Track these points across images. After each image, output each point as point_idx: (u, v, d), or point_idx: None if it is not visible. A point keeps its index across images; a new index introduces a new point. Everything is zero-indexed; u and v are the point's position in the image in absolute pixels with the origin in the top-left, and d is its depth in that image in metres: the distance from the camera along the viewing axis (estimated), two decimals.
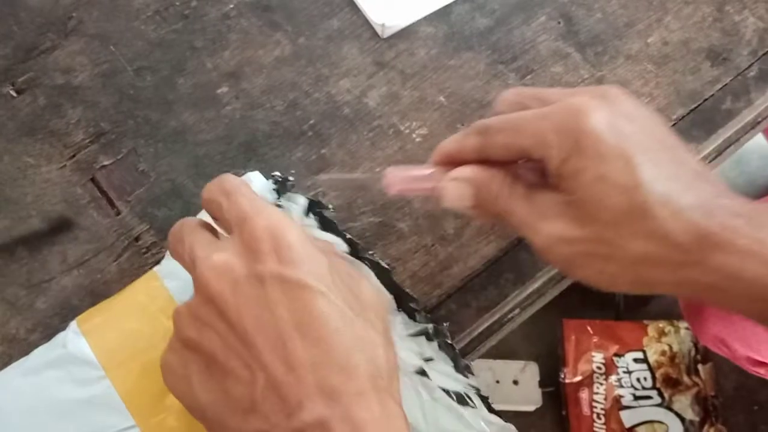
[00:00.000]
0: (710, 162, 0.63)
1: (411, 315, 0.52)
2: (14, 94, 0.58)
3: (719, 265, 0.41)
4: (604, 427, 1.33)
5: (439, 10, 0.64)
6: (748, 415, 1.40)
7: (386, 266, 0.53)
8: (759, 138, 1.49)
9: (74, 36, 0.61)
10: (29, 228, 0.54)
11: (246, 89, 0.60)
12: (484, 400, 0.51)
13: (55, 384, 0.48)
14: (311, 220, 0.52)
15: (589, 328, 1.39)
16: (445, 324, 0.52)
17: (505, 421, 0.51)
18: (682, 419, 1.34)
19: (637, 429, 1.33)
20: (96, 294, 0.53)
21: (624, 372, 1.37)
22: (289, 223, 0.41)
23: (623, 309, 1.43)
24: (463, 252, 0.56)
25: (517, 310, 0.58)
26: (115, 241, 0.55)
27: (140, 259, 0.54)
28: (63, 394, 0.48)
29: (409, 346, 0.51)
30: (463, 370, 0.51)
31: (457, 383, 0.51)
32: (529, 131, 0.44)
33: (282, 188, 0.52)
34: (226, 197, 0.43)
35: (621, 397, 1.35)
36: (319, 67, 0.61)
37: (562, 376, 1.38)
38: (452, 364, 0.51)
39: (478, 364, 1.32)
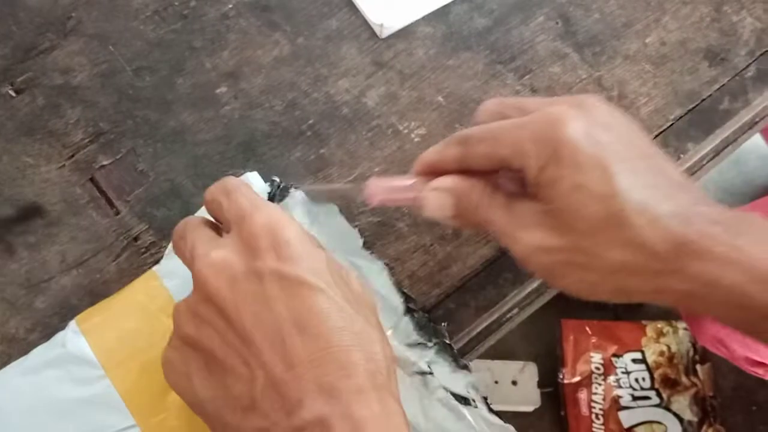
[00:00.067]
0: (708, 162, 0.63)
1: (417, 321, 0.52)
2: (13, 94, 0.58)
3: (697, 273, 0.41)
4: (602, 427, 1.33)
5: (438, 10, 0.64)
6: (746, 416, 1.40)
7: (385, 264, 0.53)
8: (757, 138, 1.49)
9: (73, 36, 0.61)
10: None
11: (245, 89, 0.60)
12: (484, 400, 0.51)
13: (55, 383, 0.48)
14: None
15: (587, 329, 1.39)
16: (443, 324, 0.52)
17: (504, 422, 0.51)
18: (681, 419, 1.34)
19: (636, 429, 1.33)
20: (95, 294, 0.53)
21: (622, 372, 1.37)
22: (288, 220, 0.42)
23: (622, 309, 1.43)
24: (462, 252, 0.56)
25: (515, 310, 0.58)
26: (114, 240, 0.55)
27: (139, 258, 0.54)
28: (63, 393, 0.48)
29: (411, 348, 0.51)
30: (463, 369, 0.51)
31: (458, 382, 0.51)
32: (507, 141, 0.44)
33: (279, 194, 0.53)
34: (227, 196, 0.44)
35: (619, 397, 1.35)
36: (317, 67, 0.61)
37: (561, 376, 1.38)
38: (453, 364, 0.51)
39: (476, 365, 1.32)
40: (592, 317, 1.41)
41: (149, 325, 0.50)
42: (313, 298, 0.39)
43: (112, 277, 0.54)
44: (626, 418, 1.33)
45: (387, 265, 0.53)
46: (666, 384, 1.36)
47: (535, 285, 0.57)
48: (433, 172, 0.47)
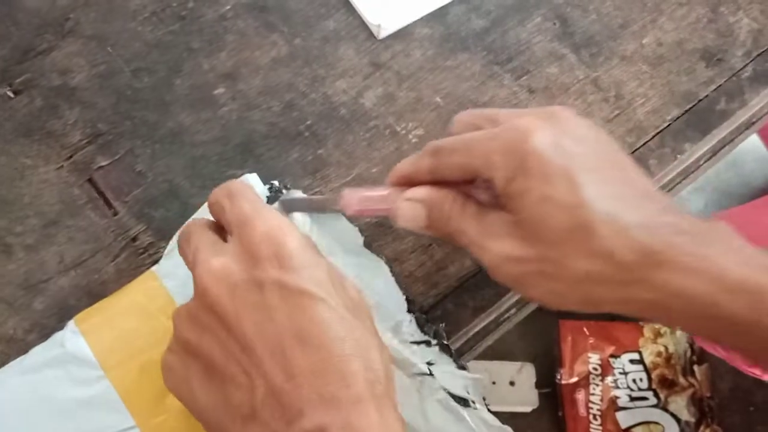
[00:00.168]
0: (705, 163, 0.64)
1: (417, 320, 0.52)
2: (11, 95, 0.59)
3: (663, 283, 0.41)
4: (600, 428, 1.33)
5: (435, 11, 0.64)
6: (743, 416, 1.40)
7: (387, 262, 0.53)
8: (754, 140, 1.50)
9: (71, 37, 0.61)
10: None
11: (243, 90, 0.60)
12: (483, 401, 0.51)
13: (54, 383, 0.48)
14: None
15: (585, 329, 1.39)
16: (441, 325, 0.53)
17: (502, 422, 0.51)
18: (678, 420, 1.34)
19: (633, 430, 1.33)
20: (93, 294, 0.53)
21: (620, 373, 1.37)
22: (289, 227, 0.41)
23: None
24: (460, 252, 0.56)
25: (513, 310, 0.58)
26: (113, 241, 0.55)
27: (137, 259, 0.54)
28: (62, 393, 0.48)
29: (412, 349, 0.51)
30: (461, 370, 0.51)
31: (459, 382, 0.51)
32: (477, 152, 0.45)
33: (277, 198, 0.53)
34: (230, 200, 0.44)
35: (617, 398, 1.35)
36: (315, 68, 0.61)
37: (559, 377, 1.38)
38: (453, 364, 0.51)
39: (474, 365, 1.32)
40: (589, 318, 1.41)
41: (148, 326, 0.50)
42: (314, 308, 0.39)
43: (110, 278, 0.54)
44: (624, 419, 1.33)
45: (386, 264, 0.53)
46: (663, 384, 1.36)
47: None
48: (408, 182, 0.48)
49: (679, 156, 0.60)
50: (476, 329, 0.56)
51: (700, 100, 0.63)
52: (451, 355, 0.51)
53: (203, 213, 0.53)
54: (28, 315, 0.52)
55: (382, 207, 0.48)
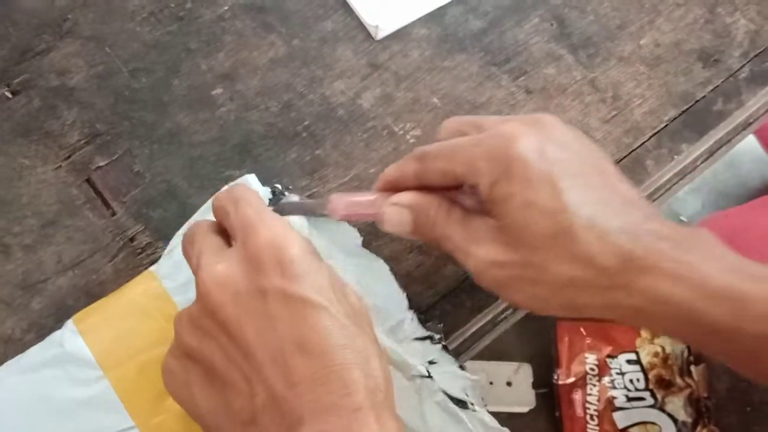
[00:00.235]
0: (702, 163, 0.64)
1: (419, 319, 0.52)
2: (9, 96, 0.59)
3: (645, 289, 0.42)
4: (597, 428, 1.34)
5: (433, 12, 0.64)
6: (740, 417, 1.40)
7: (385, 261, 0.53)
8: (751, 141, 1.50)
9: (69, 38, 0.61)
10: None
11: (240, 91, 0.60)
12: (481, 402, 0.51)
13: (53, 383, 0.48)
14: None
15: (582, 330, 1.39)
16: (440, 325, 0.53)
17: (499, 422, 0.51)
18: (675, 420, 1.34)
19: (630, 430, 1.33)
20: (91, 294, 0.53)
21: (617, 373, 1.37)
22: (293, 235, 0.42)
23: None
24: None
25: (510, 310, 0.58)
26: (111, 241, 0.55)
27: (135, 259, 0.54)
28: (61, 393, 0.48)
29: (413, 349, 0.52)
30: (461, 371, 0.52)
31: (458, 384, 0.51)
32: (462, 157, 0.45)
33: (279, 200, 0.53)
34: (234, 205, 0.44)
35: (614, 398, 1.35)
36: (313, 69, 0.61)
37: (556, 377, 1.38)
38: (456, 364, 0.52)
39: (471, 366, 1.32)
40: (586, 318, 1.41)
41: (147, 326, 0.50)
42: (316, 317, 0.39)
43: (108, 278, 0.54)
44: (621, 419, 1.33)
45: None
46: (660, 385, 1.36)
47: None
48: (394, 188, 0.48)
49: (676, 156, 0.61)
50: (473, 329, 0.56)
51: (698, 101, 0.63)
52: (451, 354, 0.52)
53: (203, 214, 0.53)
54: (26, 315, 0.52)
55: (369, 212, 0.49)
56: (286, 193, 0.54)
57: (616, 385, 1.36)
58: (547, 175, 0.43)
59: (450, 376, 0.51)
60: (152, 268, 0.52)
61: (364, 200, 0.49)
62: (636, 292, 0.42)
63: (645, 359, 1.38)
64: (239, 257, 0.41)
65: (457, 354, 0.55)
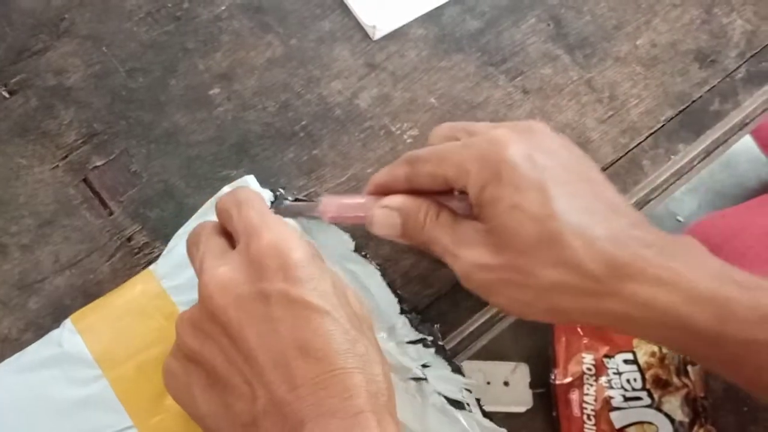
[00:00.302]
0: (699, 163, 0.64)
1: (411, 321, 0.52)
2: (6, 95, 0.59)
3: (631, 294, 0.42)
4: (594, 428, 1.34)
5: (430, 12, 0.64)
6: (737, 416, 1.40)
7: (377, 266, 0.53)
8: (747, 141, 1.50)
9: (66, 37, 0.61)
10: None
11: (238, 90, 0.60)
12: (478, 403, 0.51)
13: (51, 383, 0.48)
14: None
15: (579, 330, 1.39)
16: (436, 326, 0.53)
17: (496, 422, 0.51)
18: (672, 420, 1.34)
19: (627, 430, 1.33)
20: (88, 294, 0.53)
21: (614, 373, 1.37)
22: (296, 239, 0.42)
23: None
24: None
25: None
26: (108, 241, 0.55)
27: (132, 259, 0.54)
28: (60, 393, 0.48)
29: (407, 352, 0.52)
30: (456, 373, 0.52)
31: (454, 386, 0.51)
32: (452, 161, 0.46)
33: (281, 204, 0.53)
34: (237, 208, 0.44)
35: (611, 398, 1.35)
36: (310, 69, 0.61)
37: (553, 377, 1.38)
38: (448, 367, 0.52)
39: (468, 366, 1.32)
40: None
41: (145, 325, 0.50)
42: (319, 321, 0.39)
43: (105, 278, 0.54)
44: (618, 419, 1.33)
45: (380, 265, 0.53)
46: (657, 385, 1.36)
47: None
48: (384, 191, 0.49)
49: (672, 157, 0.61)
50: (471, 329, 0.56)
51: (694, 101, 0.63)
52: (445, 357, 0.52)
53: (201, 216, 0.53)
54: (23, 315, 0.52)
55: (358, 214, 0.49)
56: (289, 198, 0.54)
57: (613, 385, 1.36)
58: (536, 181, 0.43)
59: (445, 378, 0.51)
60: (151, 267, 0.52)
61: (354, 203, 0.50)
62: (621, 297, 0.42)
63: (642, 359, 1.38)
64: (242, 260, 0.41)
65: (455, 354, 0.55)
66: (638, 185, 0.60)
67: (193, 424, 0.42)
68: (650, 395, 1.36)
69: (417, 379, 0.51)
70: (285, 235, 0.42)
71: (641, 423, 1.34)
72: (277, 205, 0.53)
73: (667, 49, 0.64)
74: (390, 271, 0.55)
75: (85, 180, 0.56)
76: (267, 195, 0.53)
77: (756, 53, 0.65)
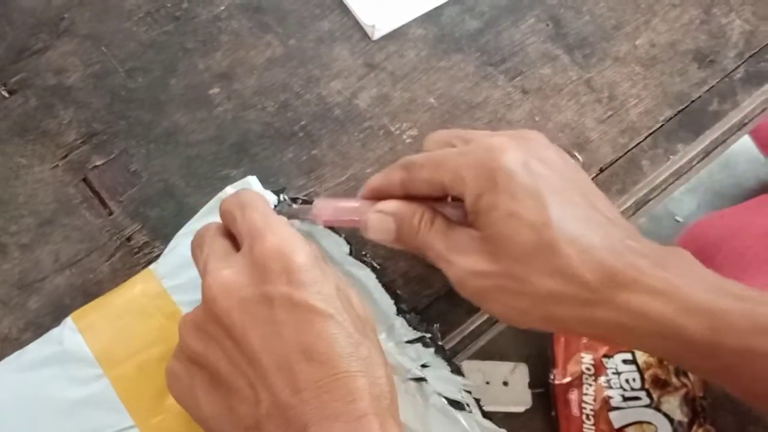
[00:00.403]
0: (698, 163, 0.64)
1: (409, 320, 0.52)
2: (6, 95, 0.59)
3: (625, 304, 0.42)
4: (593, 428, 1.34)
5: (429, 12, 0.64)
6: (736, 416, 1.40)
7: (376, 266, 0.53)
8: (746, 141, 1.50)
9: (66, 37, 0.61)
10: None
11: (237, 90, 0.60)
12: (477, 403, 0.51)
13: (52, 382, 0.48)
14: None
15: None
16: (435, 325, 0.53)
17: (495, 422, 0.51)
18: (671, 420, 1.34)
19: (626, 430, 1.34)
20: (88, 293, 0.53)
21: (613, 373, 1.37)
22: (299, 242, 0.42)
23: None
24: None
25: None
26: (108, 240, 0.55)
27: (132, 258, 0.54)
28: (60, 392, 0.48)
29: (406, 352, 0.52)
30: (456, 372, 0.52)
31: (454, 386, 0.51)
32: (448, 167, 0.46)
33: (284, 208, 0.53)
34: (241, 210, 0.44)
35: (610, 398, 1.35)
36: (310, 69, 0.61)
37: (552, 377, 1.38)
38: (448, 368, 0.52)
39: (467, 366, 1.32)
40: None
41: (146, 325, 0.50)
42: (322, 324, 0.39)
43: (105, 277, 0.54)
44: (617, 419, 1.34)
45: (379, 266, 0.53)
46: (656, 385, 1.36)
47: None
48: (379, 196, 0.49)
49: (671, 157, 0.61)
50: (470, 329, 0.56)
51: (693, 101, 0.63)
52: (445, 358, 0.52)
53: (202, 216, 0.53)
54: (23, 314, 0.52)
55: (353, 218, 0.49)
56: (295, 203, 0.54)
57: (612, 385, 1.36)
58: (532, 189, 0.43)
59: (444, 379, 0.51)
60: (151, 266, 0.52)
61: (348, 207, 0.50)
62: (616, 306, 0.42)
63: (641, 359, 1.38)
64: (246, 263, 0.41)
65: (454, 353, 0.55)
66: (637, 185, 0.60)
67: (195, 425, 0.42)
68: (649, 395, 1.36)
69: (417, 380, 0.51)
70: (288, 238, 0.42)
71: (640, 423, 1.34)
72: (284, 206, 0.53)
73: (666, 49, 0.64)
74: (389, 272, 0.55)
75: (84, 179, 0.56)
76: (270, 197, 0.53)
77: (755, 53, 0.65)
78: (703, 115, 0.62)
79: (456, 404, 0.51)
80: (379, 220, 0.48)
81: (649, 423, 1.34)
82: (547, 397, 1.39)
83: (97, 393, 0.48)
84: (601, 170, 0.60)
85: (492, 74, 0.63)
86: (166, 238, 0.54)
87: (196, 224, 0.52)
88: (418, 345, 0.52)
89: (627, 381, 1.36)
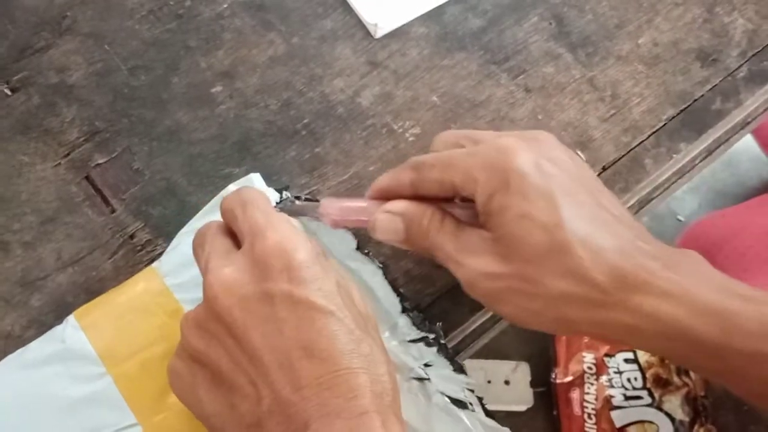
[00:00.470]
0: (700, 162, 0.64)
1: (413, 320, 0.52)
2: (8, 93, 0.59)
3: (637, 306, 0.42)
4: (595, 427, 1.34)
5: (432, 10, 0.64)
6: (737, 415, 1.40)
7: (379, 265, 0.53)
8: (749, 140, 1.50)
9: (68, 35, 0.61)
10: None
11: (240, 88, 0.60)
12: (480, 402, 0.51)
13: (55, 379, 0.48)
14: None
15: None
16: (438, 324, 0.53)
17: (497, 421, 0.51)
18: (672, 419, 1.34)
19: (628, 429, 1.33)
20: (91, 291, 0.53)
21: (615, 372, 1.37)
22: (300, 239, 0.42)
23: None
24: None
25: None
26: (110, 238, 0.55)
27: (135, 256, 0.54)
28: (63, 390, 0.48)
29: (409, 351, 0.52)
30: (459, 371, 0.52)
31: (456, 385, 0.51)
32: (459, 168, 0.45)
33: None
34: (242, 208, 0.44)
35: (612, 397, 1.35)
36: (312, 67, 0.61)
37: (554, 376, 1.38)
38: (450, 367, 0.52)
39: (469, 364, 1.32)
40: None
41: (148, 322, 0.50)
42: (323, 321, 0.39)
43: (107, 275, 0.54)
44: (618, 418, 1.34)
45: (383, 263, 0.53)
46: (658, 384, 1.36)
47: None
48: (388, 196, 0.48)
49: (674, 155, 0.61)
50: (472, 327, 0.56)
51: (696, 100, 0.63)
52: (447, 357, 0.52)
53: (204, 215, 0.53)
54: (26, 312, 0.52)
55: (360, 218, 0.49)
56: (296, 201, 0.54)
57: (614, 384, 1.36)
58: (544, 190, 0.43)
59: (447, 378, 0.51)
60: (154, 264, 0.52)
61: (356, 206, 0.49)
62: (627, 308, 0.42)
63: (642, 358, 1.38)
64: (247, 261, 0.41)
65: (456, 352, 0.55)
66: (640, 184, 0.60)
67: (197, 422, 0.43)
68: (651, 394, 1.36)
69: (420, 379, 0.51)
70: (289, 235, 0.42)
71: (642, 422, 1.34)
72: (282, 207, 0.53)
73: (669, 48, 0.64)
74: (392, 270, 0.55)
75: (87, 177, 0.56)
76: (272, 195, 0.53)
77: (758, 52, 0.65)
78: (706, 114, 0.62)
79: (459, 403, 0.50)
80: (388, 221, 0.47)
81: (650, 422, 1.34)
82: (548, 396, 1.39)
83: (99, 391, 0.48)
84: (604, 169, 0.60)
85: (495, 73, 0.62)
86: (169, 236, 0.54)
87: (198, 222, 0.52)
88: (421, 344, 0.52)
89: (629, 380, 1.36)
